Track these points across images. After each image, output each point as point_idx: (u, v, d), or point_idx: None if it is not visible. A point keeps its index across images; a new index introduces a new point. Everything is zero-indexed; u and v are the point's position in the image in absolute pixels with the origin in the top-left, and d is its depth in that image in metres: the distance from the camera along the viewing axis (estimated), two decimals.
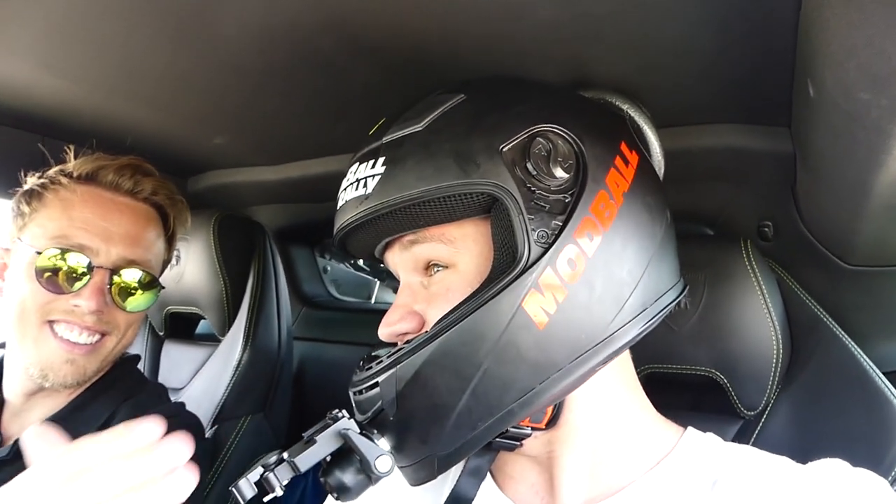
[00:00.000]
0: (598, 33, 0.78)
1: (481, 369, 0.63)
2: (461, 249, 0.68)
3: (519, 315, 0.62)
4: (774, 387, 0.95)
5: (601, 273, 0.64)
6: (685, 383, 0.99)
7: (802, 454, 0.69)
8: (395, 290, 0.81)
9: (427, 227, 0.69)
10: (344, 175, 0.74)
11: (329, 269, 2.25)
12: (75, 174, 1.09)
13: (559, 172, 0.64)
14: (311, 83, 1.02)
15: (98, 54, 0.98)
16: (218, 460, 1.31)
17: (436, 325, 0.65)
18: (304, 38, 0.87)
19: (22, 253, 1.06)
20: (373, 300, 2.59)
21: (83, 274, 1.04)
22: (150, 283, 1.14)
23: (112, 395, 1.14)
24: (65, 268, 1.03)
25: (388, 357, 0.66)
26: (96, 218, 1.07)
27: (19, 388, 1.09)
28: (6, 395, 1.11)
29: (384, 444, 0.67)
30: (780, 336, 0.94)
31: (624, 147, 0.70)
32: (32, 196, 1.09)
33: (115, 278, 1.08)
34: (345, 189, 0.72)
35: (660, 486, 0.69)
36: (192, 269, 1.54)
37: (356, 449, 0.65)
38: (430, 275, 0.71)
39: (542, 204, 0.64)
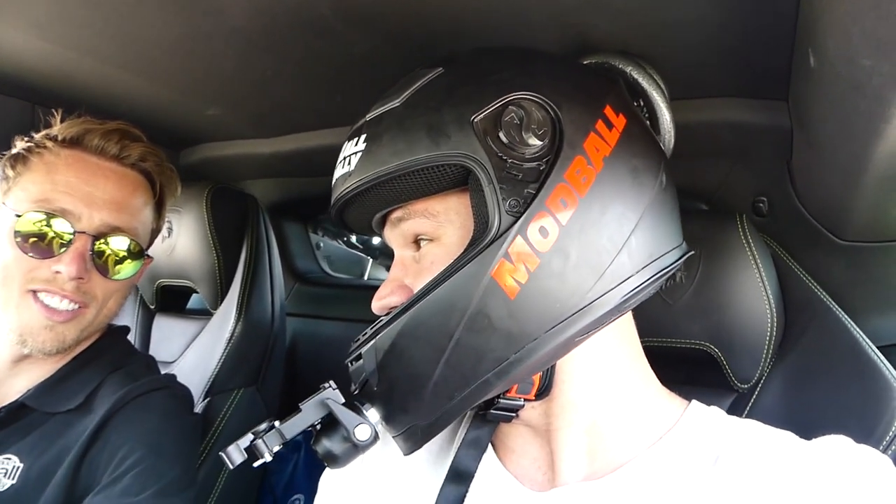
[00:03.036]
0: (601, 2, 0.77)
1: (453, 339, 0.63)
2: (444, 222, 0.69)
3: (489, 285, 0.62)
4: (768, 360, 0.95)
5: (576, 241, 0.63)
6: (679, 357, 1.00)
7: (795, 426, 0.69)
8: (388, 268, 0.82)
9: (411, 201, 0.70)
10: (339, 149, 0.75)
11: (322, 245, 2.24)
12: (60, 137, 1.08)
13: (532, 140, 0.64)
14: (307, 52, 1.00)
15: (88, 18, 0.96)
16: (210, 433, 1.31)
17: (412, 297, 0.66)
18: (300, 4, 0.85)
19: (5, 217, 1.04)
20: (366, 277, 2.59)
21: (64, 238, 1.03)
22: (135, 252, 1.12)
23: (100, 364, 1.13)
24: (45, 232, 1.02)
25: (371, 329, 0.69)
26: (80, 182, 1.05)
27: (6, 355, 1.08)
28: None
29: (373, 414, 0.69)
30: (774, 310, 0.94)
31: (609, 110, 0.68)
32: (17, 160, 1.07)
33: (98, 244, 1.06)
34: (337, 167, 0.74)
35: (662, 462, 0.69)
36: (184, 241, 1.53)
37: (337, 418, 0.68)
38: (418, 248, 0.72)
39: (514, 173, 0.64)
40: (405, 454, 0.70)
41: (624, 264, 0.65)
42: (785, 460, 0.64)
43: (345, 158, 0.72)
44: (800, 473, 0.62)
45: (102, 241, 1.06)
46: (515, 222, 0.62)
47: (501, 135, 0.64)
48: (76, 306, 1.06)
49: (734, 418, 0.73)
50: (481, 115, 0.65)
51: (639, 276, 0.66)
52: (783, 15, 0.72)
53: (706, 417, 0.73)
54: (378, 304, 0.73)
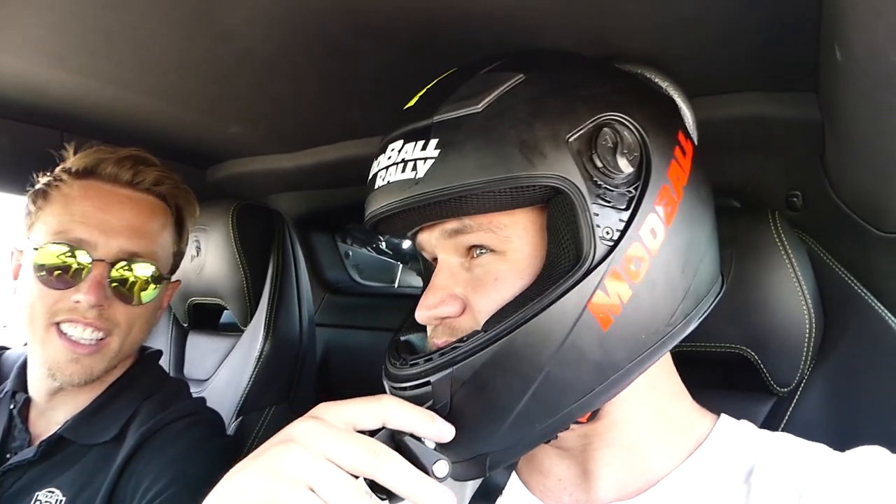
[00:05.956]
0: (614, 4, 0.75)
1: (543, 372, 0.60)
2: (511, 237, 0.65)
3: (584, 316, 0.60)
4: (808, 362, 0.92)
5: (663, 271, 0.63)
6: (715, 361, 0.97)
7: (838, 431, 0.67)
8: (419, 273, 0.78)
9: (474, 215, 0.65)
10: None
11: (351, 254, 2.24)
12: (74, 169, 1.09)
13: (625, 166, 0.62)
14: (321, 68, 1.00)
15: (108, 47, 0.97)
16: (243, 453, 1.31)
17: (495, 324, 0.61)
18: (310, 23, 0.85)
19: (28, 252, 1.06)
20: (396, 284, 2.58)
21: (82, 267, 1.03)
22: (155, 277, 1.11)
23: (134, 392, 1.14)
24: (63, 263, 1.03)
25: (441, 356, 0.63)
26: (95, 210, 1.05)
27: (42, 388, 1.10)
28: (31, 393, 1.12)
29: (429, 441, 0.62)
30: (812, 309, 0.91)
31: (681, 136, 0.67)
32: (38, 195, 1.09)
33: (115, 271, 1.06)
34: (385, 168, 0.66)
35: (695, 478, 0.67)
36: (212, 259, 1.53)
37: (412, 454, 0.59)
38: (472, 257, 0.68)
39: (607, 199, 0.62)
40: (461, 479, 0.65)
41: (694, 292, 0.66)
42: (818, 473, 0.62)
43: (402, 162, 0.64)
44: (834, 486, 0.60)
45: (120, 268, 1.06)
46: (610, 251, 0.61)
47: (595, 158, 0.61)
48: (100, 335, 1.06)
49: (765, 432, 0.71)
50: (576, 135, 0.62)
51: (704, 302, 0.68)
52: (808, 8, 0.70)
53: (736, 431, 0.71)
54: (428, 313, 0.68)
